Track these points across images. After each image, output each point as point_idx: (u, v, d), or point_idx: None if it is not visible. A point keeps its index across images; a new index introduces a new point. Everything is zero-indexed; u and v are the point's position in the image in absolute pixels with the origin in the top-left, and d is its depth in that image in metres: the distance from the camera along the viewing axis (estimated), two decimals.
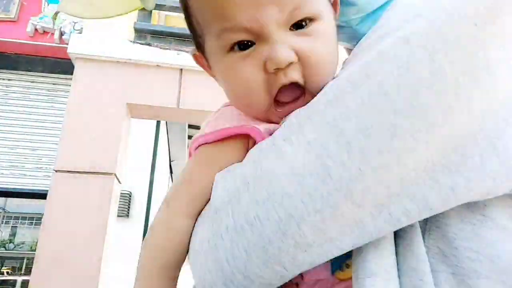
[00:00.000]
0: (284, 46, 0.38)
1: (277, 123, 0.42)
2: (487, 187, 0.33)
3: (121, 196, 3.58)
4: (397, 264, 0.35)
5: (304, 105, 0.38)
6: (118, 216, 2.70)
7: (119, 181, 2.47)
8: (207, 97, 2.67)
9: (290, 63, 0.39)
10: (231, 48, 0.40)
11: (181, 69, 2.70)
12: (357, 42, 0.42)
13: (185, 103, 2.59)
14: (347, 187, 0.31)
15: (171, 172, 7.82)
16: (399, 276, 0.34)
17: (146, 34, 2.75)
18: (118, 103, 2.52)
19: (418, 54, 0.33)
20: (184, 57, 2.70)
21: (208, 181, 0.41)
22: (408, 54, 0.33)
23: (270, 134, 0.40)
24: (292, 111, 0.40)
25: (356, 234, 0.33)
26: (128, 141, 2.65)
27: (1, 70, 4.06)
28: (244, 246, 0.33)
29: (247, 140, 0.43)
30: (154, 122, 4.77)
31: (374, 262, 0.34)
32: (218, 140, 0.43)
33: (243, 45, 0.40)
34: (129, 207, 4.17)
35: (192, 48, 0.49)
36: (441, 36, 0.33)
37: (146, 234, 0.45)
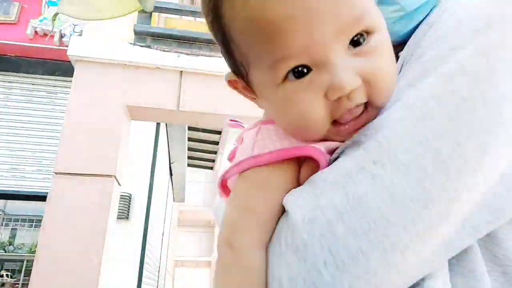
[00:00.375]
0: (347, 72, 0.34)
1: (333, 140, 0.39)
2: None
3: (121, 198, 3.57)
4: (449, 265, 0.35)
5: (367, 120, 0.37)
6: (118, 218, 2.70)
7: (119, 183, 2.46)
8: (207, 99, 2.67)
9: (355, 90, 0.35)
10: (285, 78, 0.36)
11: (181, 71, 2.70)
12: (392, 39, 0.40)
13: (185, 105, 2.60)
14: (446, 210, 0.31)
15: (171, 174, 7.81)
16: (451, 277, 0.34)
17: (146, 37, 2.76)
18: (118, 105, 2.52)
19: (499, 69, 0.33)
20: (184, 59, 2.70)
21: (273, 206, 0.38)
22: (489, 68, 0.33)
23: (330, 153, 0.38)
24: (356, 128, 0.37)
25: (444, 251, 0.33)
26: (128, 143, 2.65)
27: (2, 73, 4.07)
28: (349, 281, 0.31)
29: (299, 162, 0.39)
30: (154, 124, 4.77)
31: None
32: (272, 163, 0.39)
33: (299, 73, 0.35)
34: (129, 209, 4.16)
35: (227, 73, 0.43)
36: None
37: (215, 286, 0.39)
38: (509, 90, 0.32)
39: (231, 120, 0.53)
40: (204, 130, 6.03)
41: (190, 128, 6.14)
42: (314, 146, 0.38)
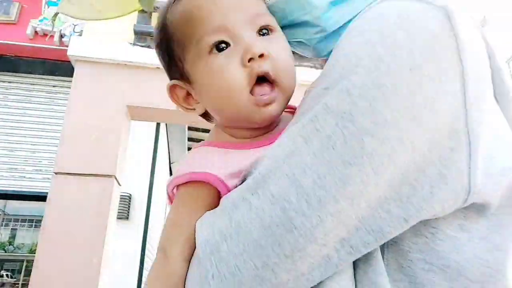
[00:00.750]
0: (256, 42, 0.46)
1: (261, 125, 0.49)
2: (436, 212, 0.37)
3: (121, 198, 3.57)
4: (356, 277, 0.39)
5: (276, 97, 0.47)
6: (118, 218, 2.69)
7: (119, 183, 2.46)
8: None
9: (262, 55, 0.45)
10: (210, 51, 0.46)
11: None
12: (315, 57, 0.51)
13: None
14: (310, 233, 0.36)
15: (171, 174, 7.81)
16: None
17: (146, 36, 2.76)
18: (118, 105, 2.52)
19: (360, 105, 0.36)
20: None
21: (195, 223, 0.44)
22: (351, 106, 0.36)
23: (238, 176, 0.44)
24: (268, 102, 0.46)
25: (324, 268, 0.37)
26: (128, 143, 2.65)
27: (1, 73, 4.07)
28: None
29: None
30: (154, 124, 4.77)
31: (335, 281, 0.38)
32: (190, 182, 0.46)
33: (219, 48, 0.46)
34: (129, 209, 4.16)
35: (168, 84, 0.55)
36: (380, 86, 0.36)
37: (145, 283, 0.47)
38: (370, 124, 0.35)
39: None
40: (204, 130, 6.02)
41: (190, 128, 6.14)
42: (213, 174, 0.44)
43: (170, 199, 0.51)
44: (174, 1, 0.51)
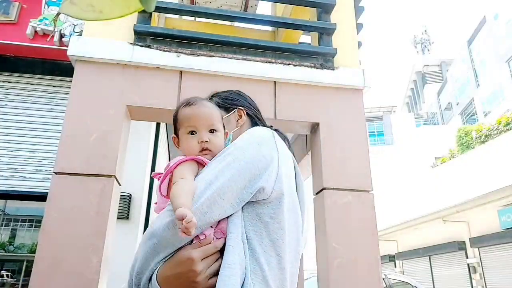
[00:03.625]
0: (206, 136, 1.13)
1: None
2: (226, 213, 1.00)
3: (121, 198, 3.57)
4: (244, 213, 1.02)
5: (211, 156, 1.12)
6: (118, 218, 2.69)
7: (119, 183, 2.46)
8: None
9: (206, 141, 1.12)
10: (188, 133, 1.14)
11: (181, 71, 2.70)
12: None
13: None
14: (223, 192, 0.99)
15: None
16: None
17: (146, 36, 2.75)
18: (118, 105, 2.52)
19: (228, 160, 1.04)
20: (184, 59, 2.70)
21: (190, 173, 1.04)
22: (228, 160, 1.04)
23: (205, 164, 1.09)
24: (208, 157, 1.11)
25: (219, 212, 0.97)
26: (128, 143, 2.65)
27: (1, 72, 4.07)
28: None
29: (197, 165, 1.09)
30: (154, 124, 4.77)
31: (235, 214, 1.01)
32: (187, 161, 1.07)
33: (192, 133, 1.14)
34: (129, 209, 4.16)
35: (172, 135, 1.22)
36: (238, 148, 1.07)
37: (173, 190, 0.97)
38: (231, 156, 1.04)
39: (155, 175, 1.15)
40: None
41: None
42: (198, 157, 1.10)
43: (167, 173, 1.07)
44: (183, 106, 1.17)
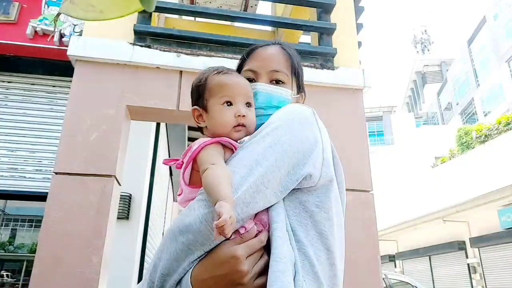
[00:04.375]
0: (244, 109, 0.97)
1: (235, 139, 0.96)
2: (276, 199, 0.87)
3: (121, 198, 3.57)
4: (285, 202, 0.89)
5: (246, 133, 0.99)
6: (118, 218, 2.69)
7: (119, 183, 2.46)
8: None
9: (244, 116, 0.96)
10: (223, 104, 0.98)
11: (181, 71, 2.70)
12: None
13: (185, 105, 2.60)
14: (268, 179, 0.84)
15: (171, 174, 7.80)
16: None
17: (146, 36, 2.75)
18: (117, 105, 2.52)
19: (266, 140, 0.87)
20: (183, 59, 2.70)
21: (219, 158, 0.88)
22: (270, 139, 0.87)
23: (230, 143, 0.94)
24: (241, 136, 0.98)
25: (263, 202, 0.83)
26: (128, 143, 2.65)
27: (1, 72, 4.07)
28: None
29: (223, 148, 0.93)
30: (154, 124, 4.77)
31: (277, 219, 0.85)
32: (212, 143, 0.91)
33: (228, 104, 0.98)
34: (129, 209, 4.16)
35: (193, 107, 1.05)
36: (279, 127, 0.89)
37: (206, 177, 0.83)
38: (260, 150, 0.86)
39: (168, 161, 1.03)
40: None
41: (190, 128, 6.13)
42: (225, 138, 0.93)
43: (191, 159, 0.91)
44: (215, 73, 1.01)
